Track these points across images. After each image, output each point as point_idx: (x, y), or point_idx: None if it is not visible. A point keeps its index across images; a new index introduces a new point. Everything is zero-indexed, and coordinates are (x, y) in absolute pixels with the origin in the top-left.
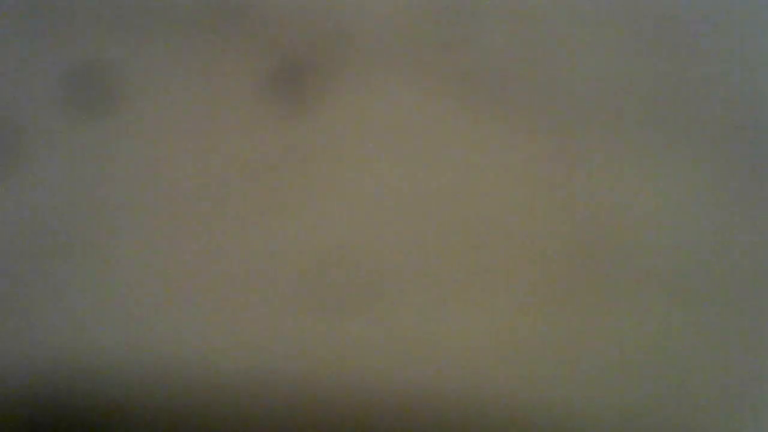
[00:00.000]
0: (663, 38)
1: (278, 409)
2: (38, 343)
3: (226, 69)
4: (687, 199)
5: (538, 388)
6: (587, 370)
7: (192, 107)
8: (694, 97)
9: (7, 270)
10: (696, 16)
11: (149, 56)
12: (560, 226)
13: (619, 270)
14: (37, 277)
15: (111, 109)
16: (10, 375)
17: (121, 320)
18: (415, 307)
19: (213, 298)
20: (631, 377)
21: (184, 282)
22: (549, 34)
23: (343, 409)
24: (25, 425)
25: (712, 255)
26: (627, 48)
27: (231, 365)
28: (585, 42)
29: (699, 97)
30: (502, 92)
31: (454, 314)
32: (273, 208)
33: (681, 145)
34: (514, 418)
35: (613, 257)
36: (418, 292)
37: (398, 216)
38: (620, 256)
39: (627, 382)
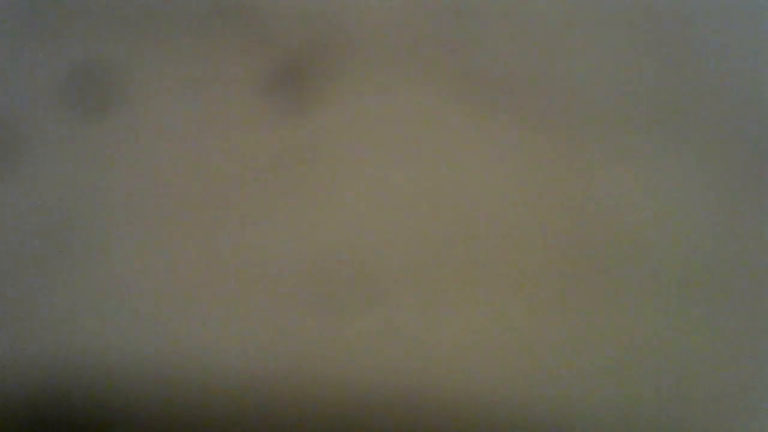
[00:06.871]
0: (663, 38)
1: (279, 408)
2: (38, 343)
3: (226, 69)
4: (688, 198)
5: (538, 387)
6: (587, 370)
7: (192, 107)
8: (694, 97)
9: (7, 270)
10: (696, 16)
11: (149, 56)
12: (561, 226)
13: (620, 270)
14: (37, 277)
15: (110, 109)
16: (10, 375)
17: (121, 320)
18: (415, 307)
19: (213, 298)
20: (631, 376)
21: (184, 282)
22: (550, 33)
23: (344, 409)
24: (25, 425)
25: (713, 255)
26: (627, 48)
27: (231, 365)
28: (585, 42)
29: (699, 97)
30: (502, 92)
31: (454, 314)
32: (273, 207)
33: (682, 145)
34: (515, 418)
35: (614, 257)
36: (418, 292)
37: (398, 215)
38: (621, 255)
39: (627, 382)
